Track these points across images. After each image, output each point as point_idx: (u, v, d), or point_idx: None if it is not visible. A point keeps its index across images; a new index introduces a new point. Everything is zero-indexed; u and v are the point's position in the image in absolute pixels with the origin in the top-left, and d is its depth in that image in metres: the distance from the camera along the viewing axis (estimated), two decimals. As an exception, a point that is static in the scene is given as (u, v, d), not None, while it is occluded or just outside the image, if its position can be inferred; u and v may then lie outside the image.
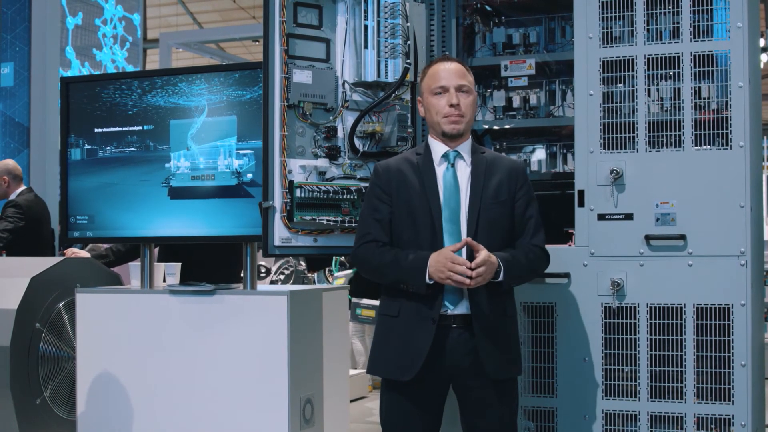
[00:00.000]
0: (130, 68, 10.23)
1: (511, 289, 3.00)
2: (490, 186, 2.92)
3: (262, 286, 4.04)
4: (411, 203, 2.91)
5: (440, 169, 2.95)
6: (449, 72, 2.96)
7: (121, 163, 3.85)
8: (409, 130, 3.53)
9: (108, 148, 3.87)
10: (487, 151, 3.04)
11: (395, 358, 2.90)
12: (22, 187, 6.03)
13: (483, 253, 2.76)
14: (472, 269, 2.75)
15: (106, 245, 4.82)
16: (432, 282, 2.81)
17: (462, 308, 2.87)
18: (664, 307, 3.31)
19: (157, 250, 4.45)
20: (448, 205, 2.89)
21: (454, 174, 2.93)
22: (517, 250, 2.93)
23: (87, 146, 3.90)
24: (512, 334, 2.96)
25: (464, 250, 2.84)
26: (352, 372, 6.60)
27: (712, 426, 3.26)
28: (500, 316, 2.90)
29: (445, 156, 2.96)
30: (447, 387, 2.95)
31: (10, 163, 6.17)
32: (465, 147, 2.99)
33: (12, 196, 5.96)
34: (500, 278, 2.83)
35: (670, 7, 3.35)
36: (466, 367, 2.87)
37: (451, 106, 2.92)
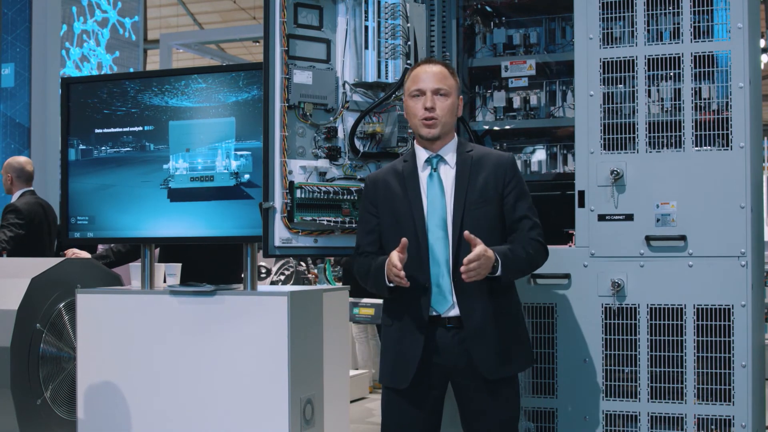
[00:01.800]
0: (115, 69, 10.25)
1: (511, 287, 2.98)
2: (475, 185, 2.91)
3: (263, 286, 4.04)
4: (396, 212, 2.93)
5: (424, 175, 2.96)
6: (428, 75, 2.96)
7: (120, 164, 3.84)
8: (410, 130, 3.52)
9: (103, 148, 3.86)
10: (475, 149, 3.02)
11: (392, 366, 2.94)
12: (26, 188, 5.92)
13: (479, 248, 2.71)
14: (465, 263, 2.71)
15: (106, 246, 4.81)
16: (393, 285, 2.82)
17: (453, 311, 2.87)
18: (664, 308, 3.31)
19: (157, 251, 4.45)
20: (435, 211, 2.89)
21: (438, 178, 2.93)
22: (516, 245, 2.89)
23: (82, 146, 3.90)
24: (512, 332, 2.94)
25: (450, 254, 2.84)
26: (352, 372, 6.60)
27: (713, 427, 3.26)
28: (496, 316, 2.88)
29: (428, 161, 2.96)
30: (445, 388, 2.95)
31: (21, 160, 5.97)
32: (448, 149, 2.98)
33: (14, 197, 5.88)
34: (498, 273, 2.80)
35: (671, 8, 3.35)
36: (462, 368, 2.87)
37: (426, 109, 2.92)
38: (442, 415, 2.99)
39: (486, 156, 2.99)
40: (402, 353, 2.89)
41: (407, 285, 2.76)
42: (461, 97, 3.05)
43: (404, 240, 2.77)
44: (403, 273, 2.73)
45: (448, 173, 2.95)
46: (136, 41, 10.65)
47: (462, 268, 2.71)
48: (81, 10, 9.79)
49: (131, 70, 10.45)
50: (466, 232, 2.75)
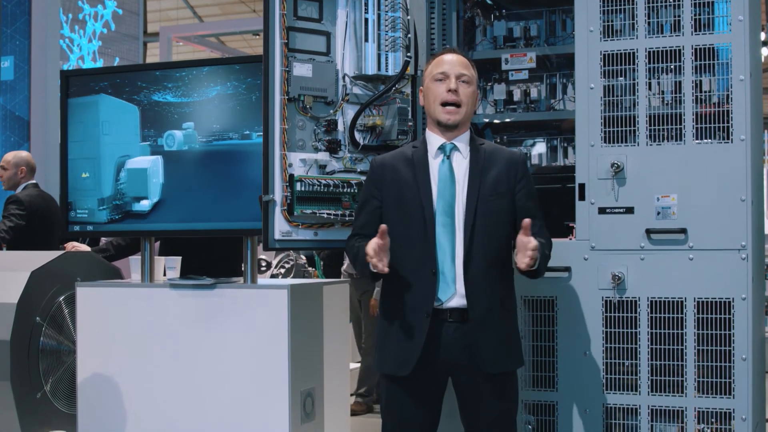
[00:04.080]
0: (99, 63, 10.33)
1: (511, 284, 2.99)
2: (488, 178, 2.91)
3: (263, 279, 4.04)
4: (402, 197, 2.91)
5: (436, 162, 2.95)
6: (453, 61, 2.97)
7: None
8: (410, 123, 3.52)
9: None
10: (486, 143, 3.03)
11: (393, 353, 2.91)
12: (30, 181, 5.96)
13: (535, 240, 2.76)
14: (533, 248, 2.72)
15: (106, 239, 4.81)
16: (375, 271, 2.80)
17: (456, 302, 2.86)
18: (664, 301, 3.31)
19: (157, 244, 4.45)
20: (443, 198, 2.88)
21: (450, 166, 2.92)
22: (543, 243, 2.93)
23: None
24: (511, 328, 2.95)
25: (462, 243, 2.83)
26: (352, 365, 6.60)
27: (713, 420, 3.26)
28: (497, 310, 2.89)
29: (442, 148, 2.95)
30: (445, 381, 2.95)
31: (24, 154, 6.06)
32: (462, 139, 2.98)
33: (18, 189, 5.90)
34: (536, 265, 2.81)
35: (671, 0, 3.34)
36: (462, 362, 2.87)
37: (449, 91, 2.91)
38: (441, 409, 2.99)
39: (498, 151, 2.99)
40: (404, 340, 2.86)
41: (385, 272, 2.75)
42: (477, 91, 3.05)
43: (383, 227, 2.75)
44: (375, 260, 2.73)
45: (460, 162, 2.95)
46: (116, 30, 10.68)
47: (530, 250, 2.72)
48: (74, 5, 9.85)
49: (117, 59, 10.53)
50: (527, 220, 2.75)
